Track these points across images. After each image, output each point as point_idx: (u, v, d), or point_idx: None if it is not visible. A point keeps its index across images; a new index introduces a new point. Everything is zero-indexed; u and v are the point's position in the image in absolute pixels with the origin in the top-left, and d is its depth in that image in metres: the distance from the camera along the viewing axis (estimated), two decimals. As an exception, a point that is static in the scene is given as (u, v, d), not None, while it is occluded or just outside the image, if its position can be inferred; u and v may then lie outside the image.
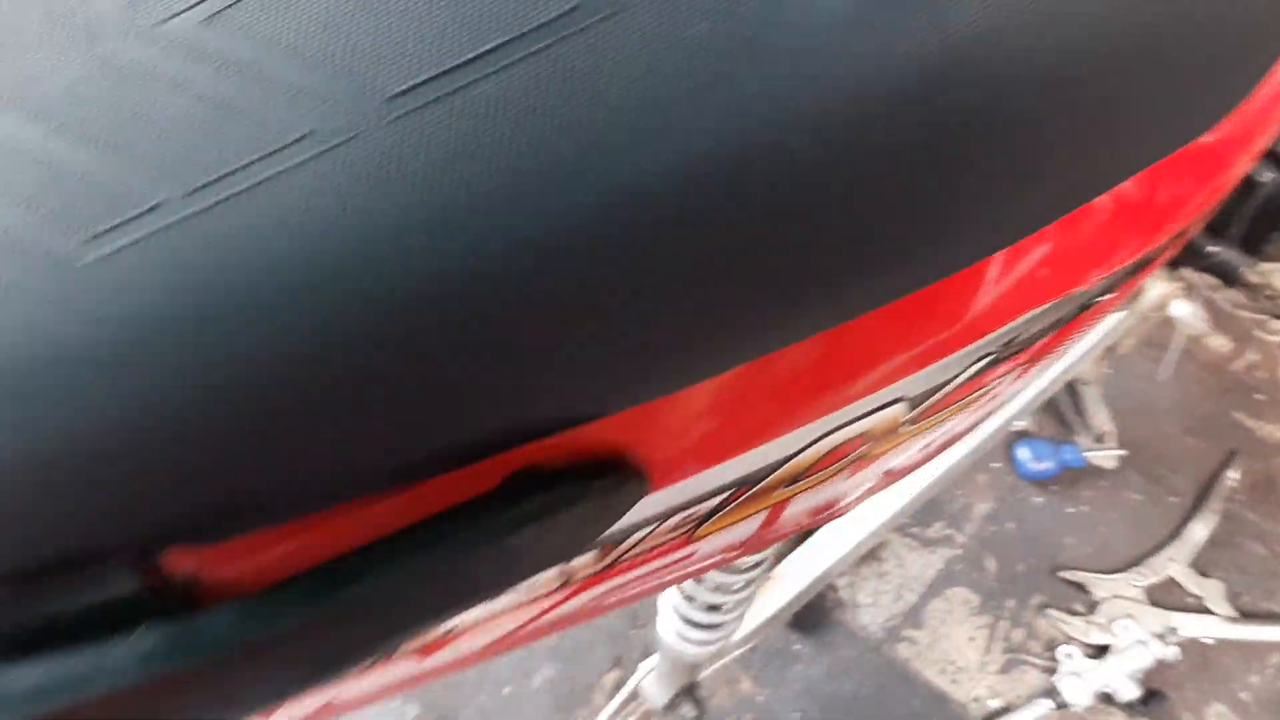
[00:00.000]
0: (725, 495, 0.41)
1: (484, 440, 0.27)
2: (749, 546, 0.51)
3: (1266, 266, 1.16)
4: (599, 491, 0.32)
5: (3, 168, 0.21)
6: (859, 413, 0.42)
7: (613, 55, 0.22)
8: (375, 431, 0.24)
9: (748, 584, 0.72)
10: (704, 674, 0.90)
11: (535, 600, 0.41)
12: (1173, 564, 1.31)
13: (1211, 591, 1.29)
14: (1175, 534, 1.33)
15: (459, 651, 0.42)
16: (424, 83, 0.22)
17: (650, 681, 0.87)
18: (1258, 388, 1.45)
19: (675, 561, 0.46)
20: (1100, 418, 1.31)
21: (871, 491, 0.54)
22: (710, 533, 0.44)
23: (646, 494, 0.35)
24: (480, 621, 0.39)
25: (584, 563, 0.40)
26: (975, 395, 0.48)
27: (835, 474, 0.46)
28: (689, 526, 0.42)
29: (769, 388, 0.38)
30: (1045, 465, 1.38)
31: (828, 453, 0.43)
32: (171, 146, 0.22)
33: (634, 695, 0.90)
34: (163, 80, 0.22)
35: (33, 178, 0.21)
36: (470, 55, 0.22)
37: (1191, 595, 1.30)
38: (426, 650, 0.40)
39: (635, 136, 0.23)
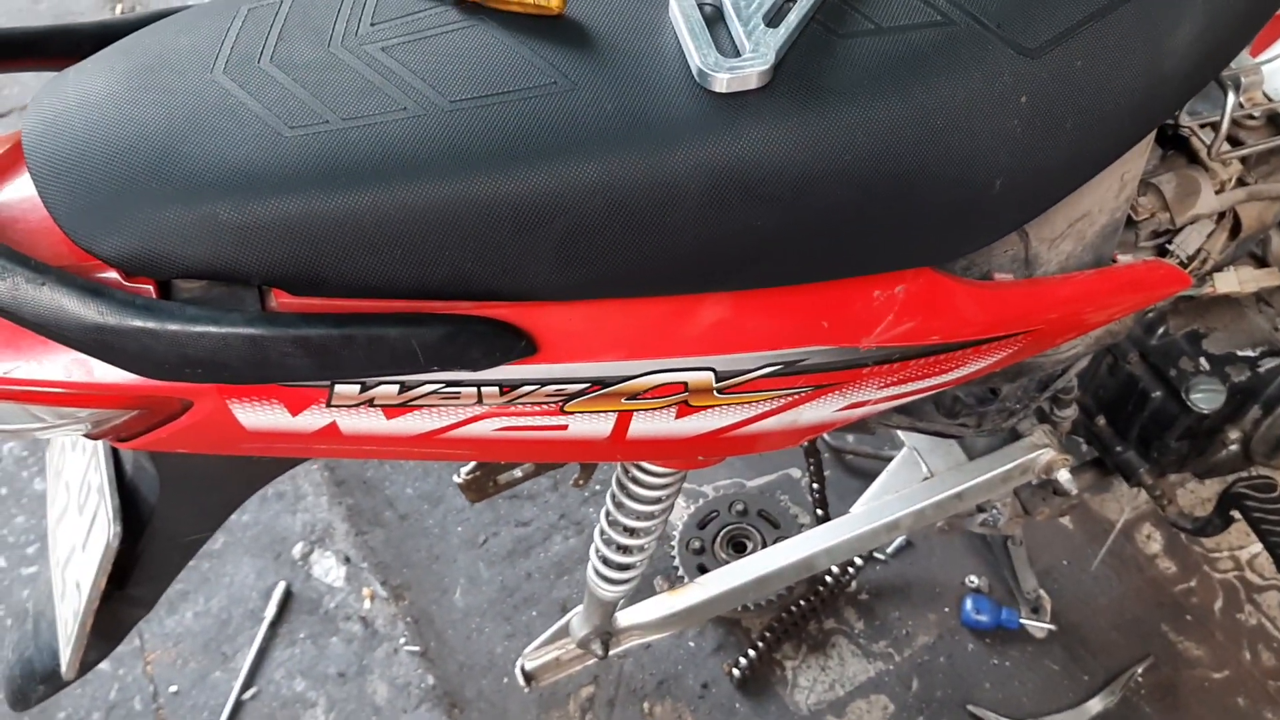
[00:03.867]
0: (585, 385, 0.70)
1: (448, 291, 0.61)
2: (612, 448, 0.78)
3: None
4: (497, 330, 0.63)
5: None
6: (680, 366, 0.71)
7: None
8: (406, 273, 0.59)
9: (646, 540, 1.00)
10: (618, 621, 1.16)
11: (455, 406, 0.69)
12: (1065, 726, 1.51)
13: (1092, 758, 1.49)
14: (1075, 704, 1.54)
15: (412, 426, 0.71)
16: (471, 98, 0.57)
17: (576, 619, 1.14)
18: (1189, 610, 1.65)
19: (554, 426, 0.74)
20: (1029, 582, 1.54)
21: (711, 448, 0.81)
22: (576, 411, 0.72)
23: (534, 355, 0.66)
24: (416, 400, 0.68)
25: (490, 393, 0.68)
26: (777, 391, 0.75)
27: (663, 406, 0.74)
28: (560, 399, 0.71)
29: (631, 323, 0.68)
30: (985, 618, 1.60)
31: (656, 386, 0.72)
32: (342, 97, 0.58)
33: (564, 630, 1.16)
34: (352, 68, 0.58)
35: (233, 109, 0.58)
36: (492, 91, 0.58)
37: (1074, 756, 1.50)
38: (390, 412, 0.69)
39: None
